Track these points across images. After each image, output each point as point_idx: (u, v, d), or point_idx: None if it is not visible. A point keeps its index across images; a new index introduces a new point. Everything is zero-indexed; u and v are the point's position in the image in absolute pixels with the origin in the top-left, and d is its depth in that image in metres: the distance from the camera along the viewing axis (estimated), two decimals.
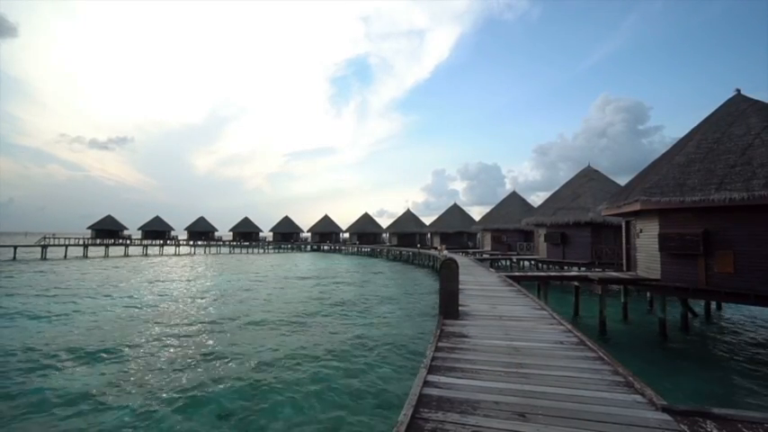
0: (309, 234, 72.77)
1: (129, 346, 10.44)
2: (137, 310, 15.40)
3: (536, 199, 51.71)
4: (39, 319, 13.45)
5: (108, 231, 69.33)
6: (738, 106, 13.37)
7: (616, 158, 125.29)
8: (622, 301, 14.91)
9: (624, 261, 15.64)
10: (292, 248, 69.04)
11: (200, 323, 13.28)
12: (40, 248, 44.06)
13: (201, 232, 74.54)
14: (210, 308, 16.12)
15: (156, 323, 13.14)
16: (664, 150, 15.69)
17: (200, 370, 8.80)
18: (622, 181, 24.23)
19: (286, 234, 73.79)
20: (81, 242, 53.07)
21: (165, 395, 7.40)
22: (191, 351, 10.17)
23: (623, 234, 15.78)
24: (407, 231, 56.98)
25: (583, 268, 21.12)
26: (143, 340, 11.07)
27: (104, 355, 9.69)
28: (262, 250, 63.63)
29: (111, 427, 6.28)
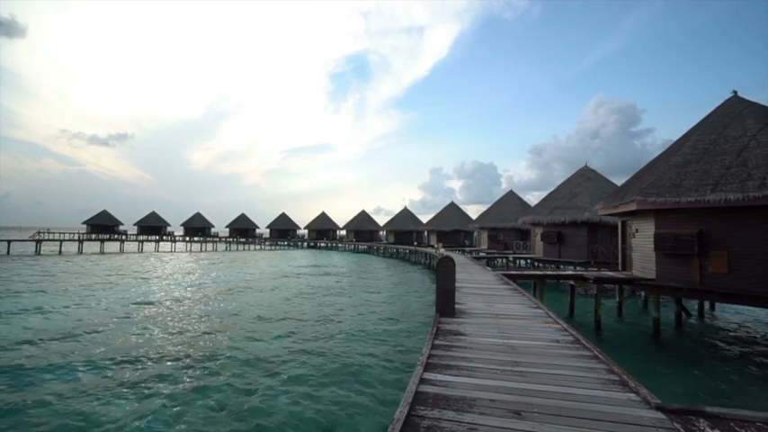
0: (306, 231, 72.63)
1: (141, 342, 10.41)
2: (147, 306, 15.35)
3: (531, 198, 51.90)
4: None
5: (103, 227, 68.91)
6: (735, 108, 13.44)
7: (608, 159, 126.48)
8: (617, 300, 15.01)
9: (620, 260, 15.73)
10: (289, 245, 68.89)
11: (198, 319, 13.25)
12: (34, 243, 43.73)
13: (198, 228, 74.20)
14: (208, 305, 16.09)
15: (158, 320, 13.11)
16: (656, 152, 15.80)
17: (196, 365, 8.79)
18: (614, 182, 24.40)
19: (283, 231, 73.60)
20: (76, 237, 52.62)
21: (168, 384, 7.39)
22: (186, 345, 10.16)
23: (619, 234, 15.87)
24: (404, 229, 56.97)
25: (579, 267, 21.22)
26: (144, 335, 11.04)
27: (107, 347, 9.67)
28: (258, 247, 63.46)
29: (113, 416, 6.29)
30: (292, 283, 22.82)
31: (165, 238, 65.88)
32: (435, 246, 37.67)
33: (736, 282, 10.67)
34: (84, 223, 69.78)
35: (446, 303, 7.26)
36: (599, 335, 11.98)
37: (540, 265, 24.98)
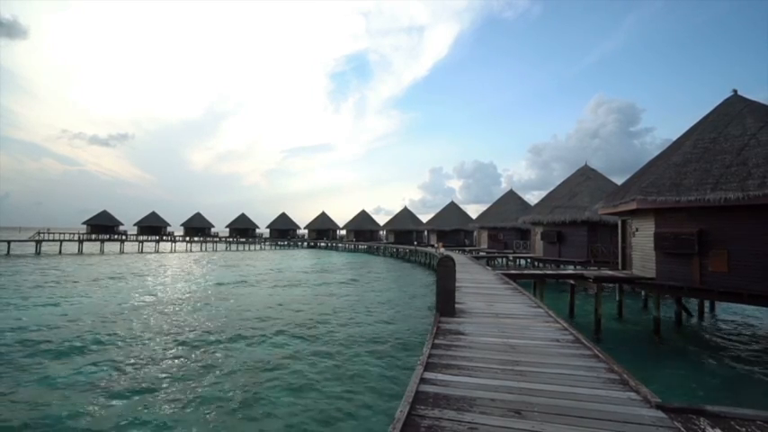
0: (306, 231, 72.67)
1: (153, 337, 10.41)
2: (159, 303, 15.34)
3: (531, 198, 51.82)
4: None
5: (103, 227, 68.91)
6: (735, 107, 13.44)
7: (608, 159, 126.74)
8: (617, 299, 15.01)
9: (620, 260, 15.73)
10: (289, 245, 68.93)
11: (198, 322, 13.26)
12: (34, 244, 43.72)
13: (198, 228, 74.19)
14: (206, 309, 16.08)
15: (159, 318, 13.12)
16: (655, 152, 15.81)
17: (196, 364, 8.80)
18: (614, 181, 24.39)
19: (283, 231, 73.63)
20: (76, 237, 52.61)
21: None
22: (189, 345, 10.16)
23: (619, 233, 15.86)
24: (404, 229, 56.98)
25: (579, 266, 21.22)
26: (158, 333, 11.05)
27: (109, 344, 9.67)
28: (258, 247, 63.47)
29: (111, 413, 6.31)
30: (293, 282, 22.82)
31: (165, 238, 65.84)
32: (435, 245, 37.67)
33: (735, 281, 10.67)
34: (84, 223, 69.79)
35: (446, 303, 7.26)
36: (599, 334, 11.98)
37: (540, 264, 24.99)
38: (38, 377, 7.98)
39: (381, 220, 65.96)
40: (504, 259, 30.23)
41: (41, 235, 53.22)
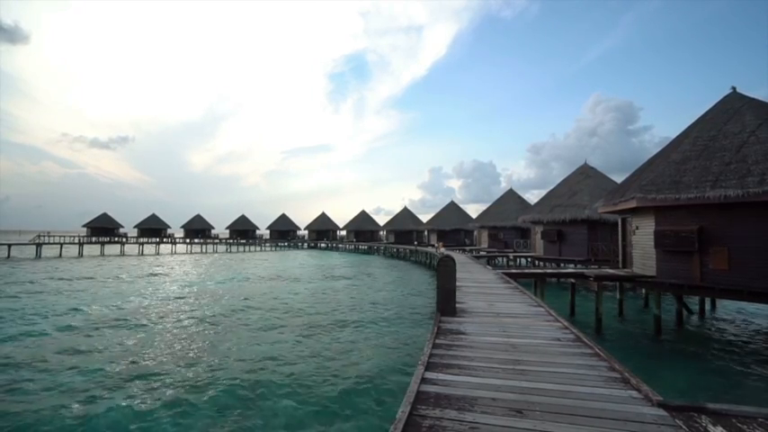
0: (306, 232, 72.73)
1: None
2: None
3: (531, 197, 51.78)
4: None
5: (104, 229, 69.00)
6: (734, 104, 13.43)
7: (606, 158, 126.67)
8: (618, 297, 15.00)
9: (620, 258, 15.73)
10: (289, 246, 68.95)
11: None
12: (34, 247, 43.70)
13: (198, 230, 74.27)
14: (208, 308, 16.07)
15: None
16: (654, 150, 15.81)
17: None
18: (613, 180, 24.40)
19: (283, 232, 73.69)
20: (76, 240, 52.59)
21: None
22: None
23: (619, 231, 15.87)
24: (404, 229, 57.03)
25: (579, 265, 21.21)
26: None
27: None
28: (259, 248, 63.47)
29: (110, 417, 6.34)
30: (294, 281, 22.82)
31: (165, 240, 65.88)
32: (435, 245, 37.68)
33: (736, 278, 10.67)
34: (84, 226, 69.84)
35: (447, 302, 7.26)
36: (600, 333, 11.98)
37: (541, 263, 24.98)
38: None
39: (381, 220, 66.11)
40: (505, 258, 30.22)
41: (41, 238, 53.22)
